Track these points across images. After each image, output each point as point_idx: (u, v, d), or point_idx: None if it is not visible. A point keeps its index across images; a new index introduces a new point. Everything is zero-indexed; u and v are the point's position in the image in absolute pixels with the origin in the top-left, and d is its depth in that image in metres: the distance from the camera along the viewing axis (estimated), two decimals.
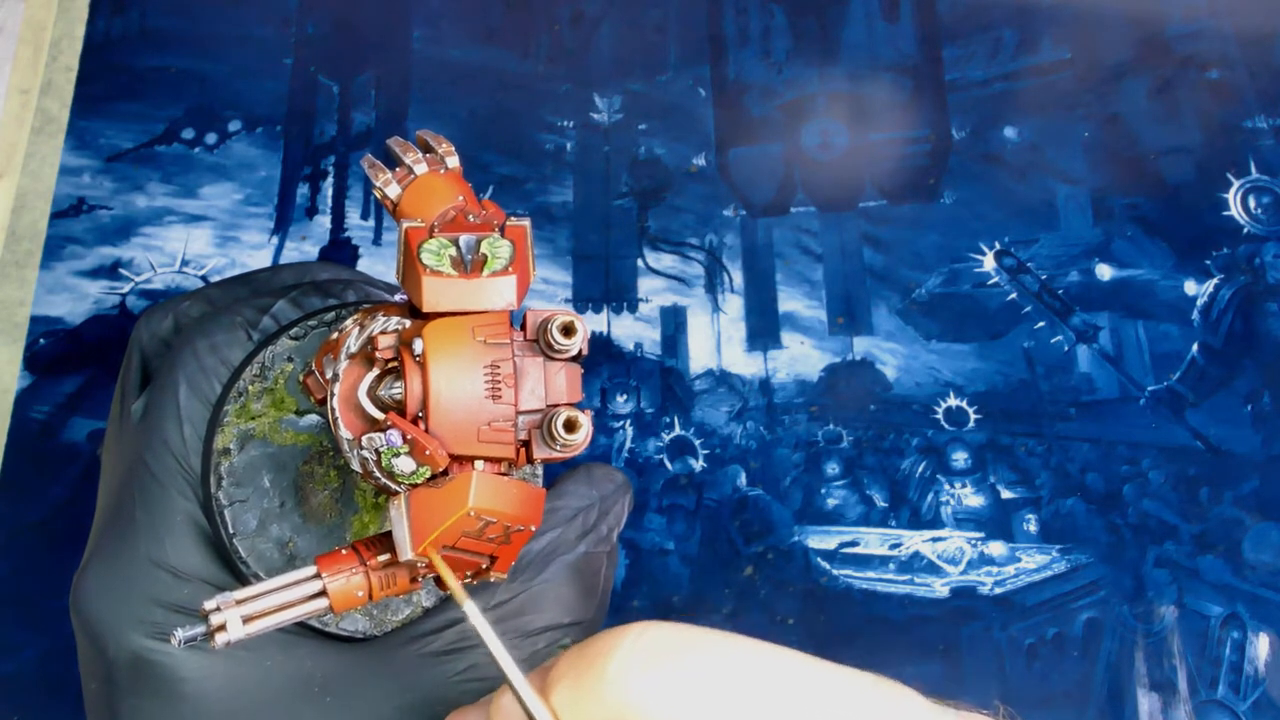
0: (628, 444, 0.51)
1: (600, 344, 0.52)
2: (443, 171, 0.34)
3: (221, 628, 0.29)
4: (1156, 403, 0.52)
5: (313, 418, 0.38)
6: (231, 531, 0.37)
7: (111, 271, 0.52)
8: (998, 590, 0.49)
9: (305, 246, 0.53)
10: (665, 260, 0.54)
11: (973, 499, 0.50)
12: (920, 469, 0.51)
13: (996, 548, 0.50)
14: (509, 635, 0.37)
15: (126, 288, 0.51)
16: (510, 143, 0.55)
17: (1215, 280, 0.54)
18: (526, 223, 0.32)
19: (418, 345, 0.30)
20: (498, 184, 0.55)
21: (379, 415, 0.31)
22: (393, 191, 0.33)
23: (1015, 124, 0.57)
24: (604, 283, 0.53)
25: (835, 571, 0.49)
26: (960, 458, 0.51)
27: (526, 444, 0.31)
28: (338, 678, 0.36)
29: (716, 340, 0.53)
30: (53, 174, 0.53)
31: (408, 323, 0.32)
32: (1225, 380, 0.52)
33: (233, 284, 0.42)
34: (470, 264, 0.31)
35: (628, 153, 0.56)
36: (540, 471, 0.41)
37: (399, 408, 0.31)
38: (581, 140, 0.56)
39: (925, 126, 0.57)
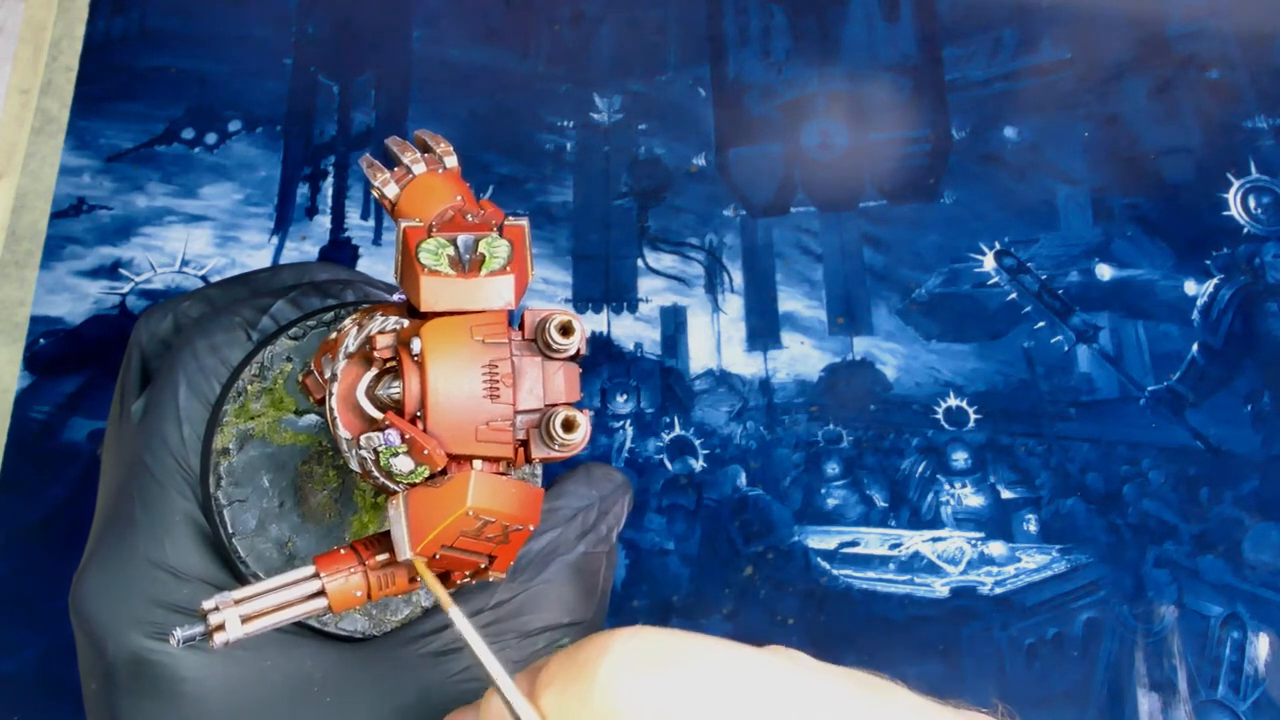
0: (628, 444, 0.51)
1: (600, 344, 0.52)
2: (441, 171, 0.34)
3: (220, 627, 0.29)
4: (1156, 403, 0.52)
5: (312, 418, 0.38)
6: (230, 531, 0.37)
7: (111, 271, 0.52)
8: (998, 590, 0.49)
9: (305, 246, 0.53)
10: (665, 260, 0.54)
11: (973, 499, 0.50)
12: (920, 469, 0.51)
13: (996, 548, 0.50)
14: (508, 635, 0.37)
15: (126, 288, 0.51)
16: (510, 143, 0.55)
17: (1215, 280, 0.54)
18: (524, 222, 0.32)
19: (415, 345, 0.30)
20: (498, 184, 0.55)
21: (377, 415, 0.31)
22: (390, 191, 0.34)
23: (1015, 124, 0.57)
24: (604, 283, 0.53)
25: (835, 571, 0.49)
26: (960, 458, 0.51)
27: (525, 444, 0.31)
28: (337, 678, 0.36)
29: (716, 340, 0.53)
30: (53, 174, 0.53)
31: (406, 322, 0.32)
32: (1225, 380, 0.52)
33: (232, 284, 0.42)
34: (468, 263, 0.31)
35: (628, 153, 0.56)
36: (539, 471, 0.41)
37: (397, 407, 0.31)
38: (581, 140, 0.56)
39: (925, 126, 0.57)
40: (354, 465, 0.31)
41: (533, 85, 0.56)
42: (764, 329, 0.53)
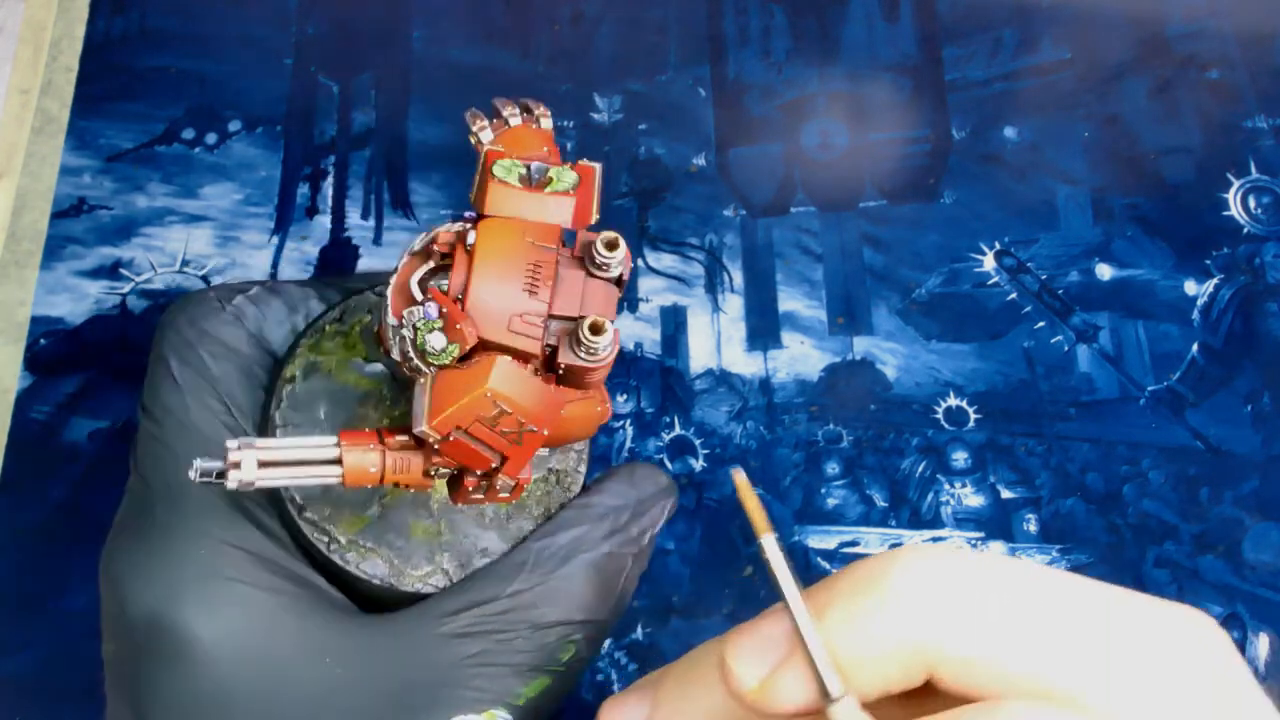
0: (628, 444, 0.51)
1: None
2: (535, 127, 0.36)
3: (236, 465, 0.31)
4: (1156, 403, 0.52)
5: (377, 366, 0.40)
6: None
7: (112, 271, 0.52)
8: None
9: (305, 246, 0.53)
10: (665, 260, 0.54)
11: (973, 499, 0.50)
12: (920, 469, 0.51)
13: (996, 548, 0.50)
14: (521, 625, 0.37)
15: (127, 288, 0.51)
16: None
17: (1215, 280, 0.54)
18: (598, 165, 0.34)
19: (471, 236, 0.32)
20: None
21: (422, 299, 0.33)
22: (486, 136, 0.36)
23: (1015, 124, 0.57)
24: None
25: (836, 571, 0.49)
26: (960, 457, 0.51)
27: (554, 350, 0.32)
28: (348, 649, 0.36)
29: (716, 340, 0.53)
30: (53, 174, 0.53)
31: (470, 227, 0.34)
32: (1225, 380, 0.52)
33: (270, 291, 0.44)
34: (536, 183, 0.33)
35: (628, 153, 0.56)
36: (583, 468, 0.42)
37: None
38: (581, 140, 0.56)
39: (925, 126, 0.57)
40: (395, 354, 0.33)
41: (533, 85, 0.56)
42: (764, 329, 0.53)
